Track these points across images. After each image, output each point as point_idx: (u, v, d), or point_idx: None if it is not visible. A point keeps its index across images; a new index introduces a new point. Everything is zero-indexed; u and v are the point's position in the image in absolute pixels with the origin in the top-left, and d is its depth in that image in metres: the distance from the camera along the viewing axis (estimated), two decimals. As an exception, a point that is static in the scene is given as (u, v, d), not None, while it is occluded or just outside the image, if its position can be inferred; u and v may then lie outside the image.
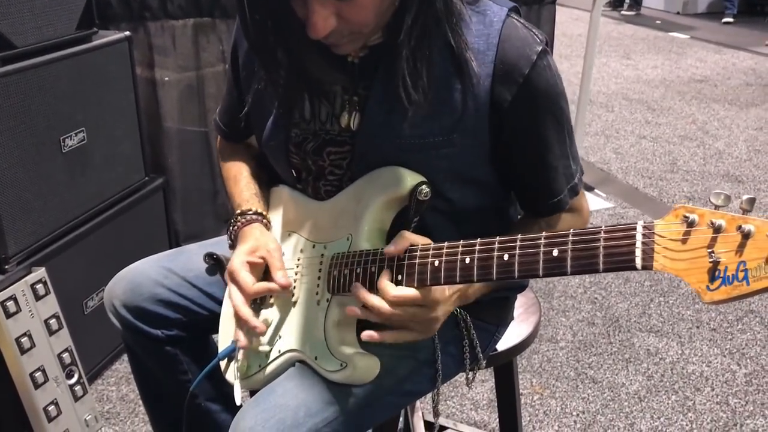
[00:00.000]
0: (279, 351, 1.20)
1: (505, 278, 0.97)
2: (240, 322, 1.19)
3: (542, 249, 0.92)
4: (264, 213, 1.29)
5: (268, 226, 1.28)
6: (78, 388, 1.82)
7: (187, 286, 1.35)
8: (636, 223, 0.85)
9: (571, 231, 0.90)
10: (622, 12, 8.61)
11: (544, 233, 0.93)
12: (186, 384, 1.37)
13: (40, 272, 1.76)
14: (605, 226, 0.88)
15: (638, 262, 0.83)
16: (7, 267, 1.77)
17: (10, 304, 1.67)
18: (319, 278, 1.18)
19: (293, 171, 1.26)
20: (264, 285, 1.19)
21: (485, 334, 1.31)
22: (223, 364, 1.28)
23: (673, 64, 6.14)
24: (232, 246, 1.28)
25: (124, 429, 2.04)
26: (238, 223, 1.27)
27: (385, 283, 1.04)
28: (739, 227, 0.76)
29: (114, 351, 2.26)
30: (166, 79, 2.64)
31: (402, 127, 1.09)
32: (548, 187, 1.17)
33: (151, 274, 1.35)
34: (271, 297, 1.25)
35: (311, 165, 1.22)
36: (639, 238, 0.83)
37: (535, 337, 1.46)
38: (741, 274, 0.75)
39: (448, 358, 1.24)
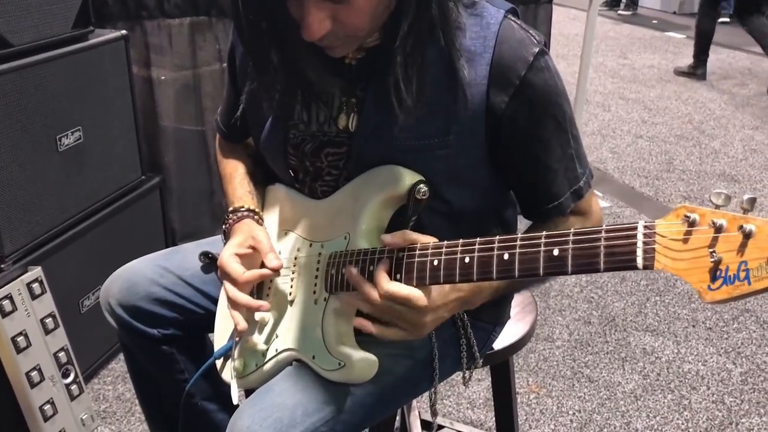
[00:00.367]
0: (276, 350, 1.19)
1: (504, 277, 0.96)
2: (239, 310, 1.19)
3: (543, 248, 0.92)
4: (256, 210, 1.29)
5: (259, 222, 1.28)
6: (74, 387, 1.82)
7: (183, 285, 1.35)
8: (637, 223, 0.84)
9: (572, 230, 0.90)
10: (619, 12, 8.60)
11: (544, 232, 0.93)
12: (182, 383, 1.36)
13: (36, 271, 1.76)
14: (606, 226, 0.87)
15: (639, 261, 0.83)
16: (2, 266, 1.76)
17: (6, 303, 1.66)
18: (316, 277, 1.18)
19: (290, 171, 1.26)
20: (255, 272, 1.19)
21: (482, 333, 1.31)
22: (219, 363, 1.28)
23: (669, 63, 6.14)
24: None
25: (120, 428, 2.03)
26: (230, 221, 1.27)
27: (381, 275, 1.04)
28: (741, 227, 0.75)
29: (110, 350, 2.25)
30: (163, 77, 2.63)
31: (398, 128, 1.09)
32: (547, 189, 1.15)
33: (147, 273, 1.35)
34: (267, 296, 1.25)
35: (309, 166, 1.22)
36: (640, 237, 0.83)
37: (531, 336, 1.46)
38: (742, 274, 0.75)
39: (445, 358, 1.24)
